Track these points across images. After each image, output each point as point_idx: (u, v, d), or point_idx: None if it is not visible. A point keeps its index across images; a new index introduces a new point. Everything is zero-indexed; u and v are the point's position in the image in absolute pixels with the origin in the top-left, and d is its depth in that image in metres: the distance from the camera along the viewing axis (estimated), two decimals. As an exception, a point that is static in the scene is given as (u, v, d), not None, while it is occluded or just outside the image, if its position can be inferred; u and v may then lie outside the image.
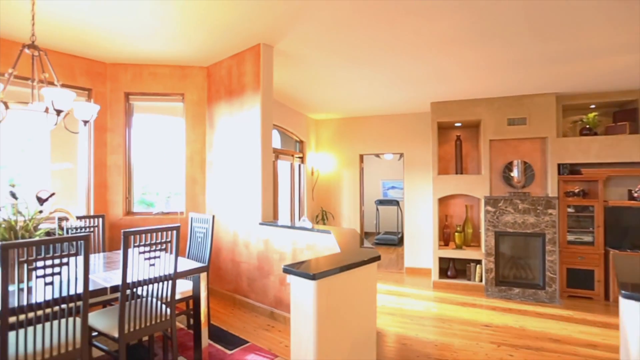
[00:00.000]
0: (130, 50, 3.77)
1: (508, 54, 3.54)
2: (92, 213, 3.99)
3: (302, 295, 1.67)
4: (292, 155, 6.24)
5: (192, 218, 3.19)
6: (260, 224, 3.60)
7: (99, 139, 4.07)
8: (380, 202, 10.09)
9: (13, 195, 2.08)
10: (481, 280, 5.00)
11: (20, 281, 1.84)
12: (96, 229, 3.21)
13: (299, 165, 6.52)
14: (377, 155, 8.55)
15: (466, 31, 3.08)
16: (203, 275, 2.63)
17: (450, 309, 4.22)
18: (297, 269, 1.68)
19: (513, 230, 4.74)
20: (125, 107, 4.18)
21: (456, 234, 5.30)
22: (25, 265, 1.75)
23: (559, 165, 4.76)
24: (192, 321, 3.28)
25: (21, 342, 1.78)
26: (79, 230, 3.05)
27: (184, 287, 2.81)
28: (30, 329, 1.79)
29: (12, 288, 1.88)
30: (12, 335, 1.87)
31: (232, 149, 3.96)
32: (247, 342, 3.04)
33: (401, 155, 7.21)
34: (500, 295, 4.75)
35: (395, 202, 9.85)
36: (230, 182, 3.99)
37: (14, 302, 1.75)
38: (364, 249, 2.28)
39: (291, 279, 1.71)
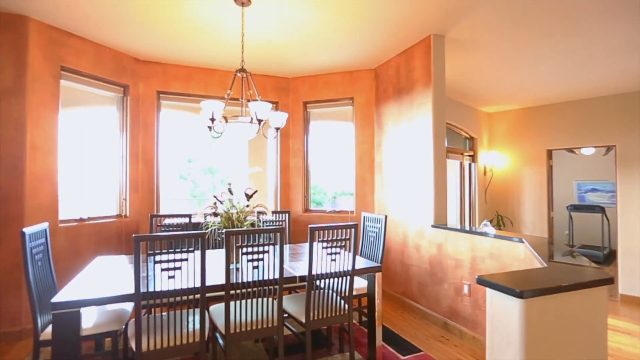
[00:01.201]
0: (307, 63, 4.18)
1: None
2: (278, 209, 4.63)
3: (503, 315, 1.40)
4: (462, 154, 5.71)
5: (364, 217, 3.26)
6: (433, 226, 3.37)
7: (284, 145, 4.69)
8: (575, 208, 8.13)
9: (230, 191, 2.56)
10: None
11: (237, 262, 2.24)
12: (283, 223, 3.68)
13: (470, 165, 5.90)
14: (571, 151, 6.93)
15: None
16: (378, 275, 2.62)
17: None
18: (496, 281, 1.42)
19: None
20: (304, 115, 4.68)
21: None
22: (240, 250, 2.11)
23: None
24: (363, 318, 3.35)
25: (237, 312, 2.15)
26: (271, 224, 3.56)
27: (357, 284, 2.88)
28: (242, 302, 2.14)
29: (231, 267, 2.30)
30: (231, 304, 2.28)
31: (401, 149, 3.88)
32: (420, 350, 2.87)
33: (609, 148, 5.62)
34: None
35: (599, 209, 7.75)
36: (399, 182, 3.92)
37: (232, 279, 2.12)
38: (580, 266, 1.79)
39: (490, 293, 1.46)
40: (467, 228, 3.10)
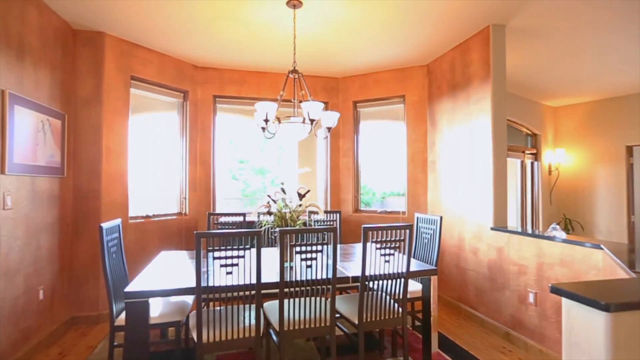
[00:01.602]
0: (357, 62, 4.14)
1: None
2: (328, 209, 4.64)
3: (584, 329, 1.26)
4: (523, 152, 5.31)
5: (417, 218, 3.15)
6: (492, 229, 3.17)
7: (334, 145, 4.69)
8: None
9: (283, 191, 2.61)
10: None
11: (290, 260, 2.27)
12: (334, 222, 3.68)
13: (532, 164, 5.47)
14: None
15: None
16: (434, 278, 2.51)
17: None
18: (576, 291, 1.29)
19: None
20: (354, 115, 4.65)
21: None
22: (294, 249, 2.13)
23: None
24: (416, 323, 3.24)
25: (290, 310, 2.18)
26: (322, 223, 3.57)
27: (410, 287, 2.79)
28: (295, 300, 2.17)
29: (285, 265, 2.33)
30: (284, 302, 2.32)
31: (457, 147, 3.69)
32: (479, 361, 2.71)
33: None
34: None
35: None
36: (454, 182, 3.74)
37: (286, 277, 2.16)
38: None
39: (567, 304, 1.33)
40: (533, 231, 2.86)
